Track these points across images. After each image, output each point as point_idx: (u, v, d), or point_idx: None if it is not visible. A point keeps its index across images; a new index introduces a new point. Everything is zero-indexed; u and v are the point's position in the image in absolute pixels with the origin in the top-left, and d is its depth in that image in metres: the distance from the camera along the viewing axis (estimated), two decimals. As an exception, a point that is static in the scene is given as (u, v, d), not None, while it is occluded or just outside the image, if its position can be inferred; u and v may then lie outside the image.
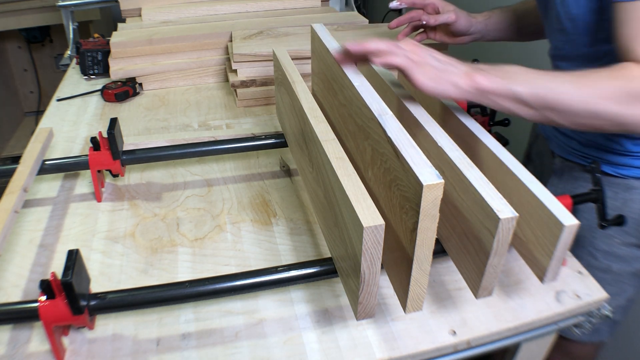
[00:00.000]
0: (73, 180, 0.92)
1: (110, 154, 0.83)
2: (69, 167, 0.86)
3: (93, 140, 0.83)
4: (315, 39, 0.87)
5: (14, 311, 0.58)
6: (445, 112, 0.76)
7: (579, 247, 0.87)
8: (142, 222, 0.81)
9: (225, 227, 0.80)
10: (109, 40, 1.23)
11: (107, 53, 1.25)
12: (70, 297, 0.55)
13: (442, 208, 0.63)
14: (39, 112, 2.80)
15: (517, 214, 0.51)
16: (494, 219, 0.51)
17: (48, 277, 0.56)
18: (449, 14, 0.99)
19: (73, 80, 1.31)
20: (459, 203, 0.58)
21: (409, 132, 0.57)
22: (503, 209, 0.51)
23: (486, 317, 0.65)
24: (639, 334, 1.22)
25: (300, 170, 0.81)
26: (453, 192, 0.59)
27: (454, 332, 0.63)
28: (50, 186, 0.90)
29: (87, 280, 0.60)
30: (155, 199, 0.87)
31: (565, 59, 0.84)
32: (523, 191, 0.57)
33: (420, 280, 0.56)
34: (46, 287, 0.55)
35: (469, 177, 0.55)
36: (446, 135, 0.63)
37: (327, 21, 1.33)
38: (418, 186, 0.49)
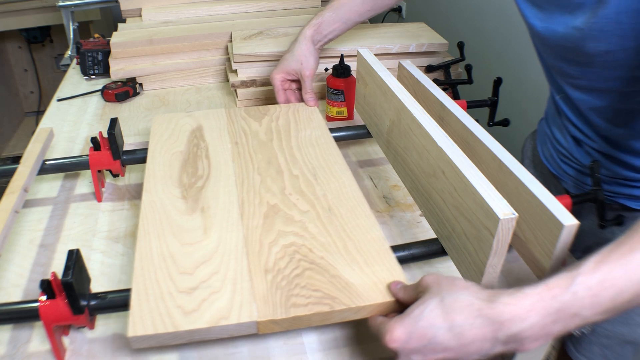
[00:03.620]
0: (73, 180, 0.92)
1: (110, 154, 0.83)
2: (69, 167, 0.86)
3: (93, 140, 0.83)
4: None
5: (14, 311, 0.58)
6: (445, 112, 0.76)
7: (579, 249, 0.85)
8: (143, 222, 0.81)
9: (226, 227, 0.80)
10: (109, 40, 1.23)
11: (107, 53, 1.25)
12: (71, 297, 0.55)
13: (442, 208, 0.63)
14: (39, 112, 2.81)
15: (517, 214, 0.51)
16: (494, 219, 0.51)
17: (48, 277, 0.56)
18: (306, 78, 0.96)
19: (73, 81, 1.31)
20: (459, 203, 0.58)
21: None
22: (503, 209, 0.51)
23: (486, 317, 0.65)
24: None
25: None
26: (453, 192, 0.59)
27: (454, 332, 0.63)
28: (51, 186, 0.90)
29: (88, 280, 0.60)
30: (155, 199, 0.87)
31: (582, 90, 0.74)
32: (523, 191, 0.57)
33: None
34: (46, 287, 0.55)
35: (469, 177, 0.55)
36: (446, 135, 0.63)
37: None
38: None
